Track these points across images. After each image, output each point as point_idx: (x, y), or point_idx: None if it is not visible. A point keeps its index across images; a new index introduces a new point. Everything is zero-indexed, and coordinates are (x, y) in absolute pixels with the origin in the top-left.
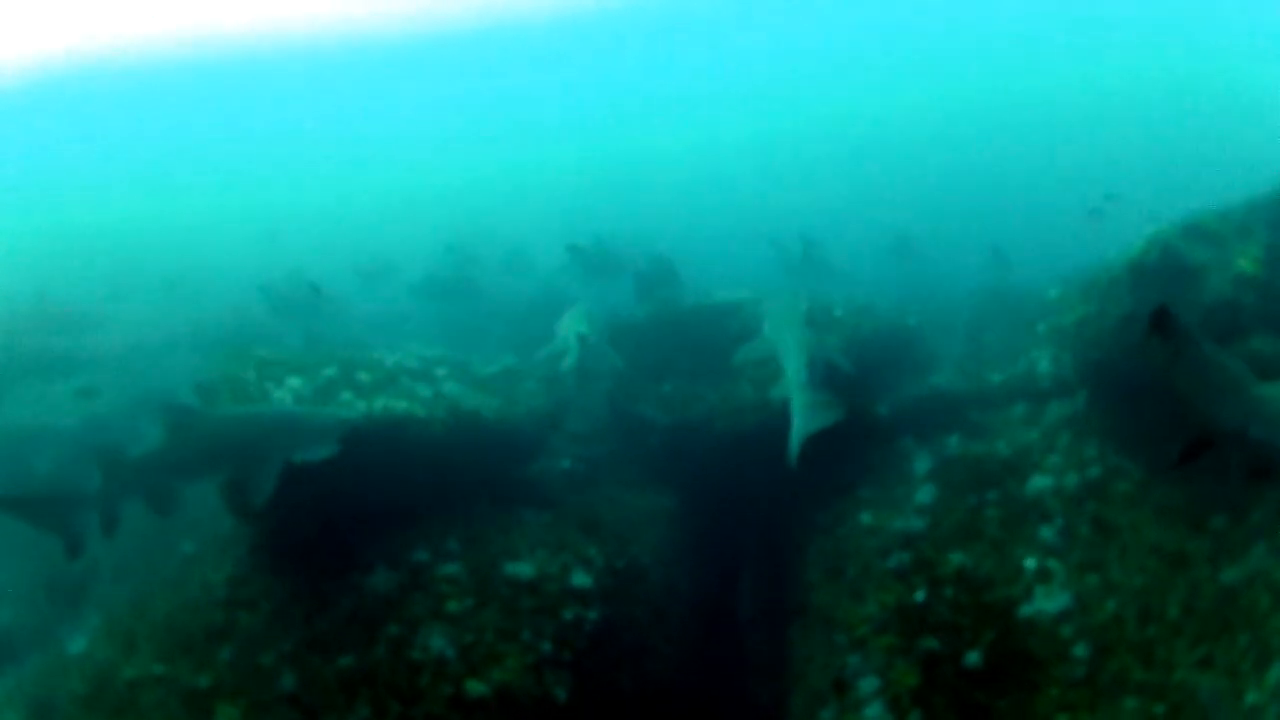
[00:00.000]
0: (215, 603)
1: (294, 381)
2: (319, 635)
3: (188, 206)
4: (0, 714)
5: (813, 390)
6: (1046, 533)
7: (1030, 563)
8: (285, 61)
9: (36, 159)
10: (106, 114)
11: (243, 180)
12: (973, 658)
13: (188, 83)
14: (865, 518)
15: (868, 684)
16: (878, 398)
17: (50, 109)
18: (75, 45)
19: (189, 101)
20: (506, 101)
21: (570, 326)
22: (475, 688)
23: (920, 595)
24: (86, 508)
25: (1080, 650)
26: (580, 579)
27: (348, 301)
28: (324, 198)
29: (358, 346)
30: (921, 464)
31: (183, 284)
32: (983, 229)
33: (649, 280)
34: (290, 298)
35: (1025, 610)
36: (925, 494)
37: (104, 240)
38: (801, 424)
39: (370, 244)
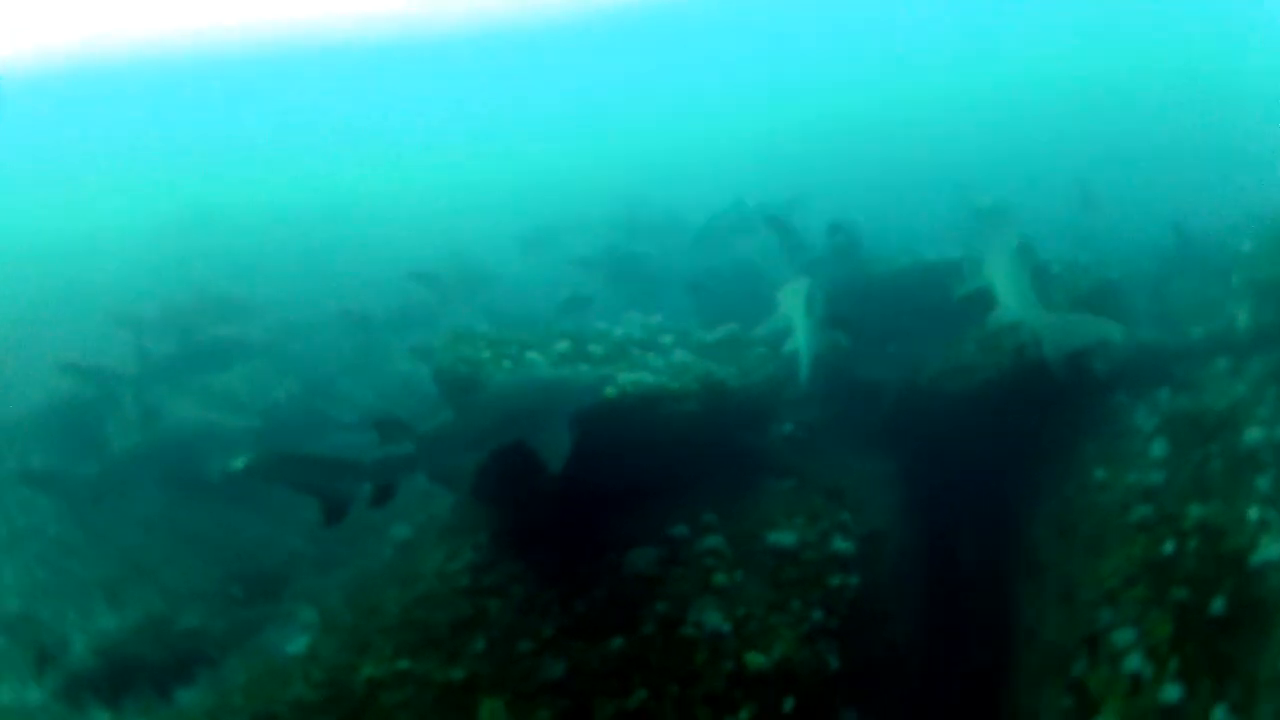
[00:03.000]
0: (458, 591)
1: (531, 357)
2: (580, 618)
3: (307, 189)
4: None
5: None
6: (1263, 483)
7: (1254, 513)
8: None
9: (116, 143)
10: (170, 102)
11: (365, 163)
12: (1218, 605)
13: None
14: (1097, 473)
15: (1122, 636)
16: (1092, 353)
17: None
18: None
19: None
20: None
21: (794, 309)
22: (756, 660)
23: (1169, 547)
24: (358, 476)
25: None
26: (841, 545)
27: (509, 276)
28: (468, 176)
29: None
30: (1145, 419)
31: (324, 266)
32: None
33: (841, 251)
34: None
35: (1255, 559)
36: (1159, 448)
37: (221, 225)
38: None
39: (519, 221)
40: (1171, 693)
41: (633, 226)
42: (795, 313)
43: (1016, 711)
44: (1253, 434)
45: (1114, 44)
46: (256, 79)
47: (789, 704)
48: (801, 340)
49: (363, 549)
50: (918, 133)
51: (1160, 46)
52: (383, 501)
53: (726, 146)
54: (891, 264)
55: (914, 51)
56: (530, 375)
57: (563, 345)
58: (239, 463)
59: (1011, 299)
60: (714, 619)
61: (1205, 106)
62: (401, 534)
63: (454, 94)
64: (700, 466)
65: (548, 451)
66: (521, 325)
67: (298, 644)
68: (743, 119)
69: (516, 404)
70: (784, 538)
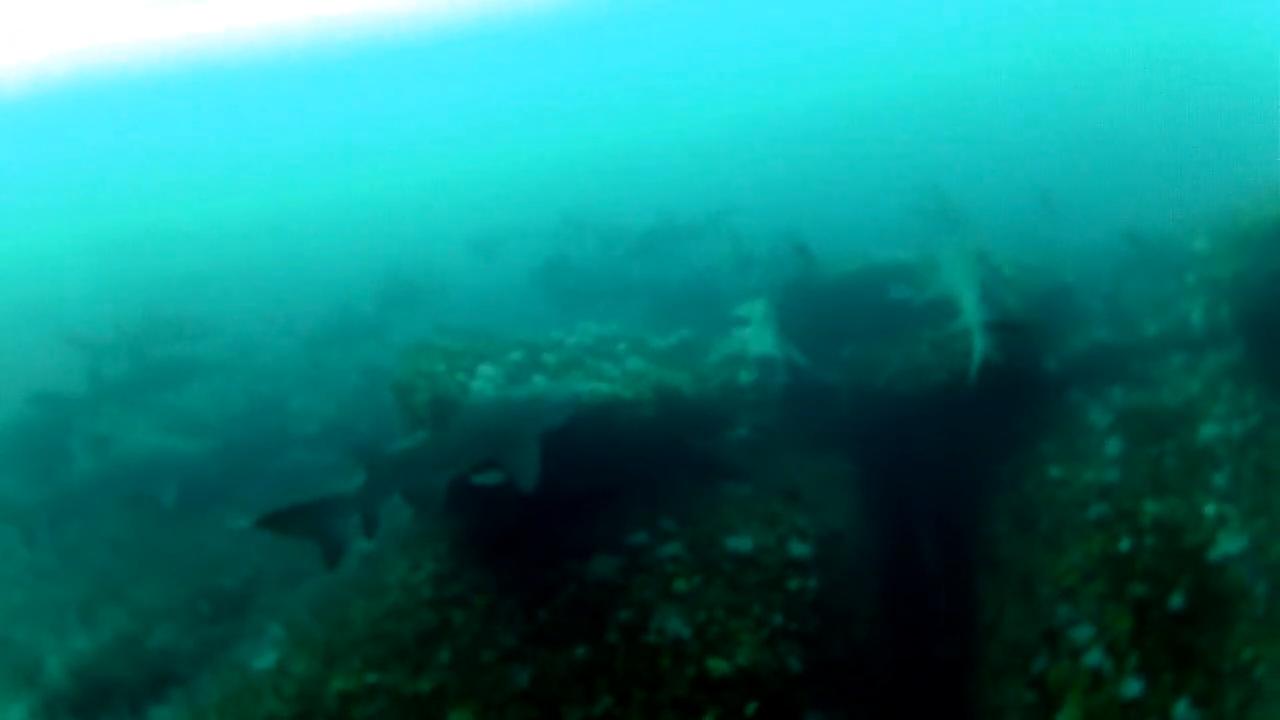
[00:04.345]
0: (423, 603)
1: (486, 369)
2: (544, 627)
3: (236, 207)
4: None
5: (992, 314)
6: (1219, 479)
7: (1210, 509)
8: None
9: (64, 167)
10: (133, 119)
11: (286, 181)
12: (1176, 600)
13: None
14: (1053, 471)
15: (1082, 632)
16: (1045, 352)
17: (74, 115)
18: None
19: (238, 100)
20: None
21: (757, 339)
22: (718, 666)
23: (1125, 544)
24: (348, 510)
25: (1260, 589)
26: (798, 549)
27: (455, 285)
28: (380, 189)
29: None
30: (1099, 416)
31: (275, 281)
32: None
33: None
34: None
35: (1213, 554)
36: (1113, 446)
37: (160, 244)
38: (983, 346)
39: (465, 229)
40: (1132, 687)
41: (578, 233)
42: (756, 338)
43: (979, 708)
44: (1208, 430)
45: (1079, 37)
46: (212, 91)
47: (752, 708)
48: (773, 375)
49: (324, 563)
50: (873, 131)
51: (1129, 39)
52: (372, 531)
53: (679, 147)
54: (843, 266)
55: (872, 46)
56: (503, 395)
57: (517, 355)
58: (243, 522)
59: (971, 305)
60: (676, 625)
61: (1171, 101)
62: (364, 546)
63: (410, 100)
64: (658, 473)
65: (519, 471)
66: (474, 336)
67: (267, 659)
68: (698, 118)
69: (489, 423)
70: (742, 543)
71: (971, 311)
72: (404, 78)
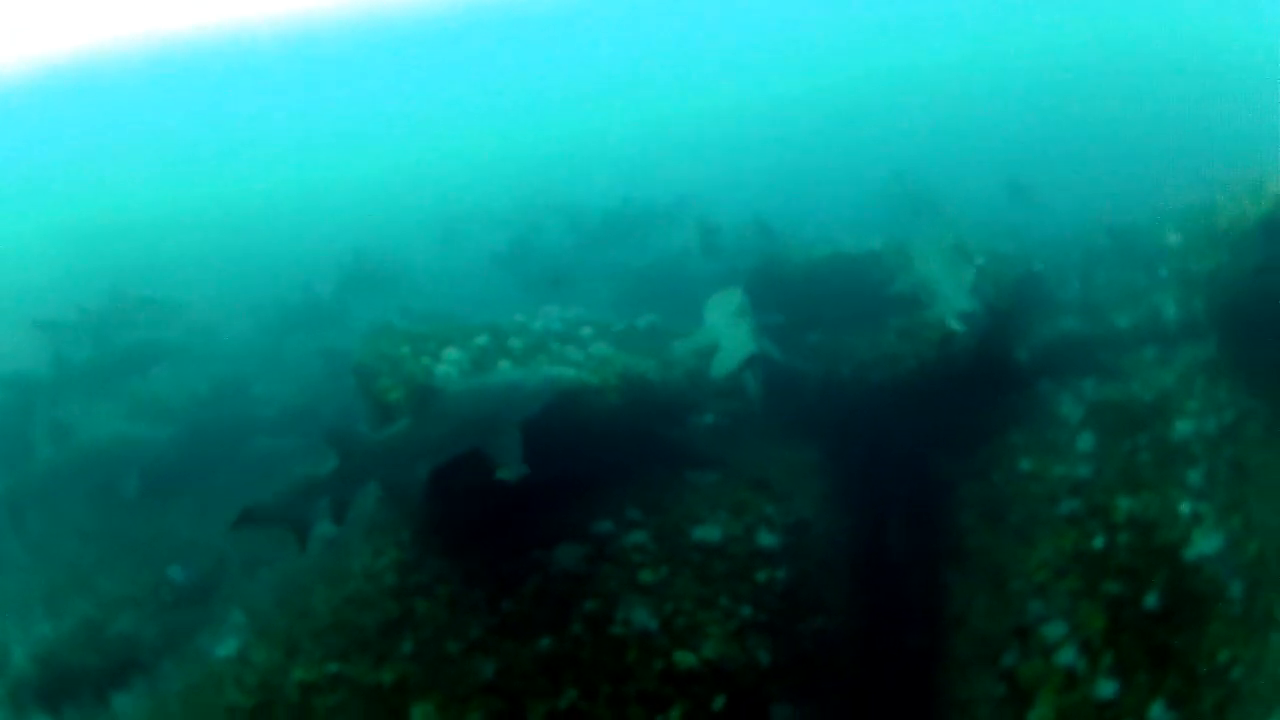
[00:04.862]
0: (385, 591)
1: (451, 354)
2: (508, 617)
3: (200, 195)
4: None
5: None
6: (1194, 476)
7: (1185, 506)
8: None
9: (35, 154)
10: (99, 108)
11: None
12: (1151, 599)
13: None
14: (1024, 464)
15: (1054, 629)
16: (1015, 343)
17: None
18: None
19: (196, 88)
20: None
21: (734, 338)
22: (685, 659)
23: (1099, 541)
24: (317, 495)
25: (1235, 589)
26: (766, 539)
27: (418, 269)
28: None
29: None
30: (1070, 408)
31: (239, 266)
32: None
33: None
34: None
35: (1189, 553)
36: (1086, 441)
37: (125, 231)
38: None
39: (429, 213)
40: (1107, 688)
41: (542, 217)
42: (731, 335)
43: (948, 699)
44: (1182, 426)
45: (1063, 29)
46: (176, 81)
47: (719, 702)
48: (747, 375)
49: (289, 548)
50: (848, 120)
51: (1115, 31)
52: (341, 517)
53: (652, 136)
54: (811, 253)
55: (849, 36)
56: (481, 382)
57: (482, 339)
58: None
59: (950, 294)
60: (642, 617)
61: (1151, 94)
62: (327, 531)
63: (378, 87)
64: (623, 460)
65: (502, 459)
66: (438, 320)
67: (229, 647)
68: (672, 108)
69: (469, 411)
70: (710, 533)
71: (951, 299)
72: (371, 65)
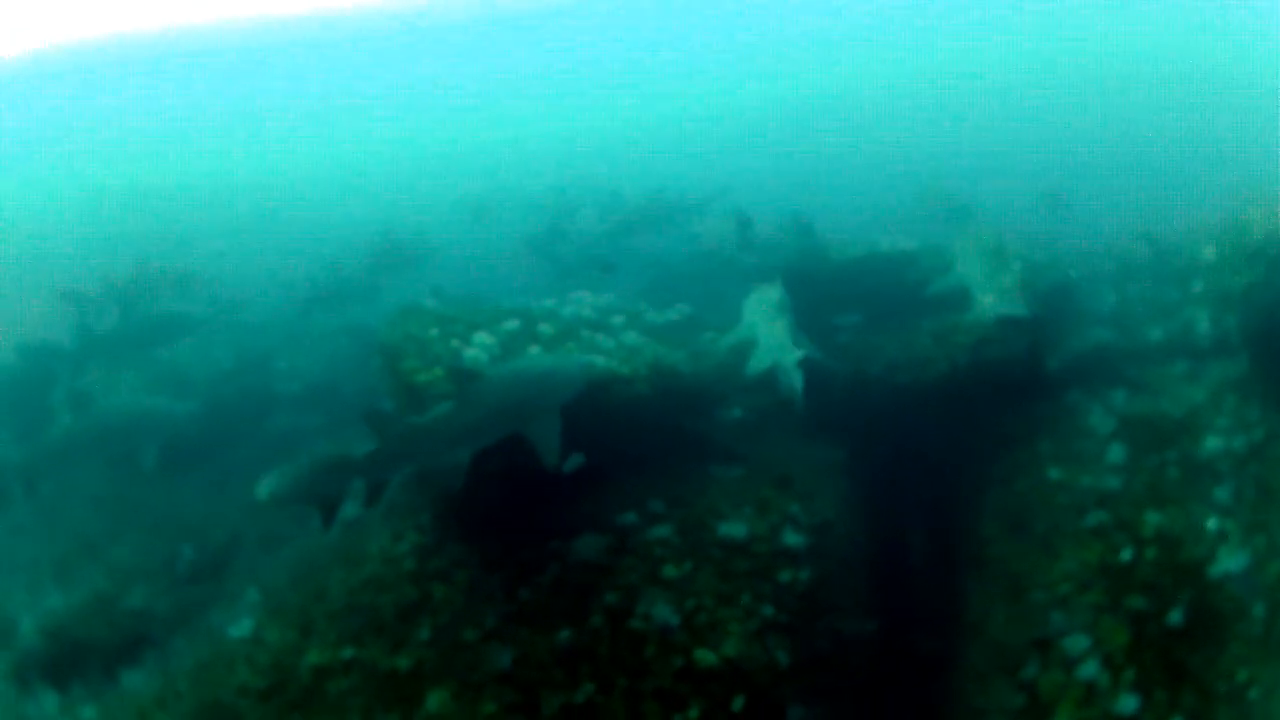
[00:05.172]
0: (404, 576)
1: (480, 338)
2: (526, 607)
3: (231, 168)
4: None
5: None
6: (1221, 494)
7: (1212, 523)
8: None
9: (58, 126)
10: (131, 81)
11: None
12: (1175, 616)
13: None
14: (1052, 473)
15: (1076, 642)
16: (1047, 351)
17: (69, 77)
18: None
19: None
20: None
21: (770, 329)
22: (705, 657)
23: (1127, 555)
24: (349, 474)
25: (1258, 609)
26: (792, 539)
27: (448, 250)
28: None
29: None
30: (1100, 420)
31: (267, 240)
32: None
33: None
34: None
35: (1213, 570)
36: (1116, 453)
37: (152, 202)
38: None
39: (463, 195)
40: (1128, 703)
41: (574, 203)
42: (769, 331)
43: (963, 707)
44: (1211, 443)
45: (1101, 31)
46: (230, 65)
47: (738, 703)
48: (793, 375)
49: (307, 526)
50: (886, 120)
51: (1153, 40)
52: (375, 499)
53: (692, 129)
54: (846, 252)
55: (890, 31)
56: (520, 365)
57: (511, 324)
58: (264, 491)
59: (990, 297)
60: (663, 612)
61: (1186, 105)
62: (347, 512)
63: (413, 72)
64: (648, 451)
65: (541, 443)
66: (466, 302)
67: (242, 627)
68: (713, 102)
69: (509, 396)
70: (734, 529)
71: (993, 304)
72: (408, 51)
